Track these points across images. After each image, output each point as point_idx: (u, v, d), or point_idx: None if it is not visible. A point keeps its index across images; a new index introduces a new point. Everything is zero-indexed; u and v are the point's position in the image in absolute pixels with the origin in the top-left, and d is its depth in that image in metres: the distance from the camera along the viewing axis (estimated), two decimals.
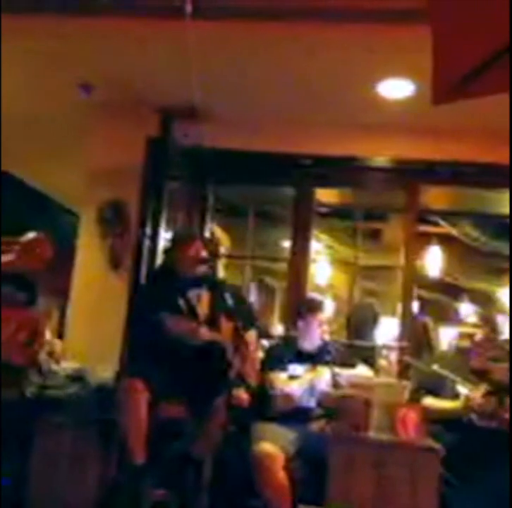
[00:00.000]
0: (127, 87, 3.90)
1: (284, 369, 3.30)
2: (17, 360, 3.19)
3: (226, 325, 3.17)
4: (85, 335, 3.91)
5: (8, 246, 3.33)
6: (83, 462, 3.09)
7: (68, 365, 3.56)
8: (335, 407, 2.92)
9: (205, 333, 3.08)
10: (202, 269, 3.29)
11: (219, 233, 4.96)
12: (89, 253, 4.14)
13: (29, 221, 3.60)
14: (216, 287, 3.37)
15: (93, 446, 3.11)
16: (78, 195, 4.37)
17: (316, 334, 3.40)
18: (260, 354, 3.49)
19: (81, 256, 4.17)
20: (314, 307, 3.47)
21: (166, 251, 3.67)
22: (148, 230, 4.11)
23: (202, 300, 3.27)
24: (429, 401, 3.21)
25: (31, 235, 3.42)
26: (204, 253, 3.30)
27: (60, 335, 4.12)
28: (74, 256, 4.18)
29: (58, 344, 3.91)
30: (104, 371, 3.45)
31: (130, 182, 4.12)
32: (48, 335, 3.63)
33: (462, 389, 3.20)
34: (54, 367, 3.53)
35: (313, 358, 3.37)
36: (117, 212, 4.09)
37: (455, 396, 3.20)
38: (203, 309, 3.25)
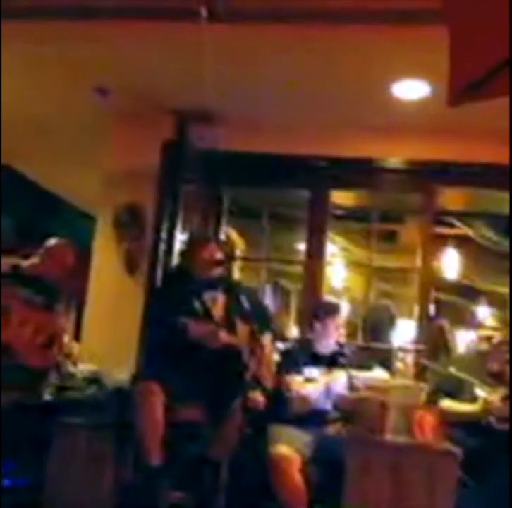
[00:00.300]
0: (143, 91, 3.92)
1: (300, 372, 3.28)
2: (35, 363, 3.22)
3: (242, 328, 3.17)
4: (102, 338, 3.93)
5: (33, 250, 3.38)
6: (100, 464, 3.10)
7: (84, 368, 3.58)
8: (351, 410, 2.91)
9: (223, 336, 3.08)
10: (217, 271, 3.29)
11: (234, 235, 4.97)
12: (105, 256, 4.17)
13: (46, 225, 3.64)
14: (231, 290, 3.37)
15: (110, 447, 3.12)
16: (95, 198, 4.41)
17: (332, 338, 3.39)
18: (276, 357, 3.48)
19: (97, 259, 4.20)
20: (331, 310, 3.47)
21: (182, 253, 3.68)
22: (164, 233, 4.12)
23: (217, 302, 3.27)
24: (447, 403, 3.19)
25: (53, 241, 3.46)
26: (219, 255, 3.30)
27: (76, 337, 4.15)
28: (90, 259, 4.21)
29: (75, 347, 3.94)
30: (121, 373, 3.47)
31: (146, 185, 4.14)
32: (66, 338, 3.65)
33: (480, 392, 3.17)
34: (71, 369, 3.55)
35: (329, 361, 3.36)
36: (133, 215, 4.12)
37: (473, 399, 3.17)
38: (218, 311, 3.25)
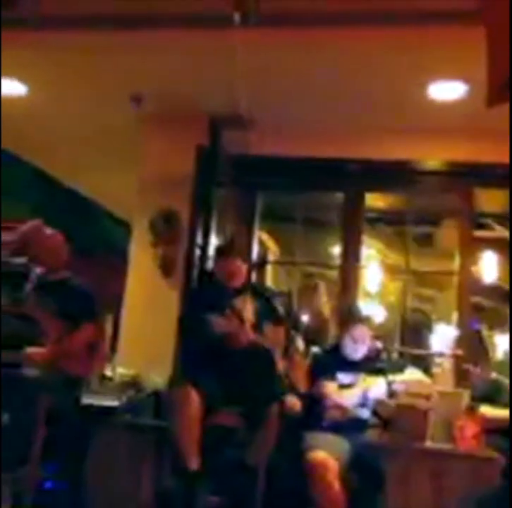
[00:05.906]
0: (176, 98, 3.96)
1: (333, 377, 3.25)
2: (77, 371, 3.22)
3: (274, 331, 3.16)
4: (139, 342, 3.96)
5: (9, 228, 3.34)
6: (138, 467, 3.12)
7: (122, 372, 3.61)
8: (391, 416, 2.86)
9: (249, 333, 3.06)
10: (236, 284, 3.28)
11: (267, 239, 4.97)
12: (141, 262, 4.21)
13: (83, 232, 3.67)
14: (262, 294, 3.37)
15: (148, 451, 3.15)
16: (130, 204, 4.46)
17: (360, 347, 3.33)
18: (308, 361, 3.46)
19: (133, 264, 4.24)
20: (358, 320, 3.42)
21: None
22: (198, 237, 4.15)
23: (247, 306, 3.27)
24: (488, 410, 3.12)
25: (30, 222, 3.40)
26: (237, 269, 3.28)
27: (114, 342, 4.19)
28: (126, 264, 4.26)
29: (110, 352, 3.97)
30: (158, 376, 3.49)
31: (180, 191, 4.17)
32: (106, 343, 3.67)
33: None
34: (109, 373, 3.59)
35: (364, 366, 3.31)
36: (168, 220, 4.15)
37: None
38: (248, 315, 3.25)
